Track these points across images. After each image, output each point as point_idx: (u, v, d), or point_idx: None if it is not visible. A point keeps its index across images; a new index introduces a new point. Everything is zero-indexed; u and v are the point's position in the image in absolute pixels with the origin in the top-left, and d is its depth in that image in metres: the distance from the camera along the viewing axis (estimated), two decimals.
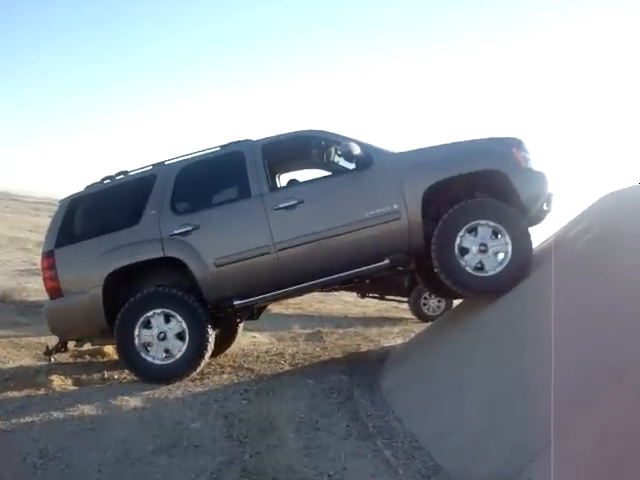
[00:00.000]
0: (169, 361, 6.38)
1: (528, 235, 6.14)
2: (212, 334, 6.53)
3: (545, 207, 6.43)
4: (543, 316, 4.50)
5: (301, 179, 7.09)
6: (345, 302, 15.34)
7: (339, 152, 6.61)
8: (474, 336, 5.87)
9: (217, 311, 6.71)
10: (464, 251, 6.09)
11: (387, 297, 13.12)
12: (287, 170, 7.90)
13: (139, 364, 6.41)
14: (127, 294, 6.51)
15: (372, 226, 6.24)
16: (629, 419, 3.12)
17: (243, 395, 5.94)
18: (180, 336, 6.37)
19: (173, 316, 6.36)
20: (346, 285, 9.54)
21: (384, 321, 12.27)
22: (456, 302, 9.46)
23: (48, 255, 6.65)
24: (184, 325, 6.34)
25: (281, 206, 6.35)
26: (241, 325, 8.35)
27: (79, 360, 7.95)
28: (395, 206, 6.23)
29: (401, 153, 6.53)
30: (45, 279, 6.70)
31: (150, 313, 6.36)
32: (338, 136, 6.63)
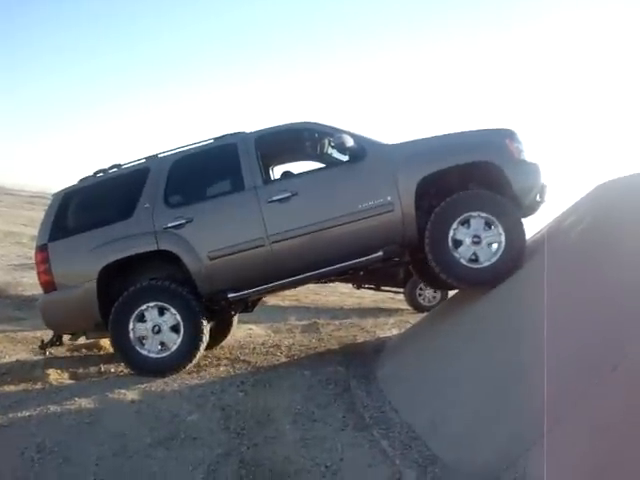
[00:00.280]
0: (164, 354, 6.38)
1: (521, 225, 6.14)
2: (207, 326, 6.54)
3: (538, 198, 6.43)
4: (537, 307, 4.51)
5: (295, 171, 7.08)
6: (341, 293, 15.37)
7: (332, 144, 6.60)
8: (469, 327, 5.88)
9: (211, 304, 6.70)
10: (458, 243, 6.09)
11: (383, 288, 13.13)
12: (281, 162, 7.88)
13: (135, 358, 6.41)
14: (121, 287, 6.51)
15: (366, 218, 6.24)
16: (623, 410, 3.13)
17: (240, 387, 5.95)
18: (175, 329, 6.37)
19: (167, 309, 6.37)
20: (340, 277, 9.55)
21: (380, 312, 12.29)
22: (451, 293, 9.48)
23: (42, 249, 6.64)
24: (178, 318, 6.34)
25: (275, 199, 6.34)
26: (236, 317, 8.36)
27: (75, 354, 7.94)
28: (388, 198, 6.22)
29: (394, 145, 6.51)
30: (39, 273, 6.68)
31: (144, 307, 6.36)
32: (331, 128, 6.61)
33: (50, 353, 7.50)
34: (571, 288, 4.67)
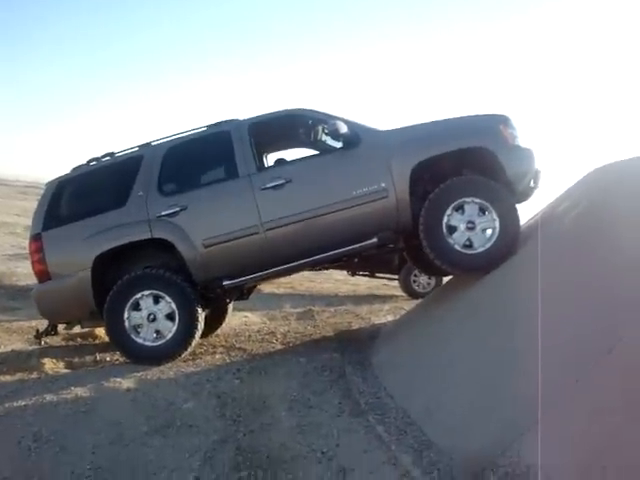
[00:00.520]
0: (160, 342, 6.39)
1: (515, 211, 6.15)
2: (202, 314, 6.55)
3: (532, 184, 6.44)
4: (532, 292, 4.52)
5: (289, 158, 7.07)
6: (335, 280, 15.38)
7: (326, 131, 6.58)
8: (463, 313, 5.90)
9: (206, 291, 6.71)
10: (452, 229, 6.10)
11: (377, 275, 13.15)
12: (275, 149, 7.86)
13: (130, 346, 6.41)
14: (116, 276, 6.50)
15: (360, 205, 6.23)
16: (618, 394, 3.15)
17: (235, 374, 5.97)
18: (170, 317, 6.37)
19: (162, 297, 6.37)
20: (335, 264, 9.56)
21: (374, 299, 12.32)
22: (446, 279, 9.51)
23: (35, 238, 6.62)
24: (173, 306, 6.35)
25: (269, 186, 6.33)
26: (231, 305, 8.37)
27: (71, 343, 7.95)
28: (383, 184, 6.22)
29: (388, 131, 6.50)
30: (33, 262, 6.67)
31: (139, 295, 6.36)
32: (325, 115, 6.59)
33: (45, 343, 7.50)
34: (565, 273, 4.69)
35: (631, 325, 3.48)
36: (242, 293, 7.65)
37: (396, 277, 12.45)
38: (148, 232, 6.39)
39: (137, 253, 6.60)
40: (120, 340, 6.44)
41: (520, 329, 4.48)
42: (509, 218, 6.07)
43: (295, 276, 9.07)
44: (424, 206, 6.14)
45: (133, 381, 5.72)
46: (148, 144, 6.85)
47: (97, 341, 7.86)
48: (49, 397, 5.32)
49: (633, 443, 2.85)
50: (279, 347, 7.40)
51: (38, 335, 7.16)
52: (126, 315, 6.36)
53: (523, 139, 6.41)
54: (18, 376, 6.12)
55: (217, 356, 6.81)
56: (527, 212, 7.10)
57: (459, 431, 4.17)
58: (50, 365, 6.50)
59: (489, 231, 6.08)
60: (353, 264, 11.73)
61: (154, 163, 6.63)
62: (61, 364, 6.64)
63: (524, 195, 6.51)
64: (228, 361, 6.57)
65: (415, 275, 11.76)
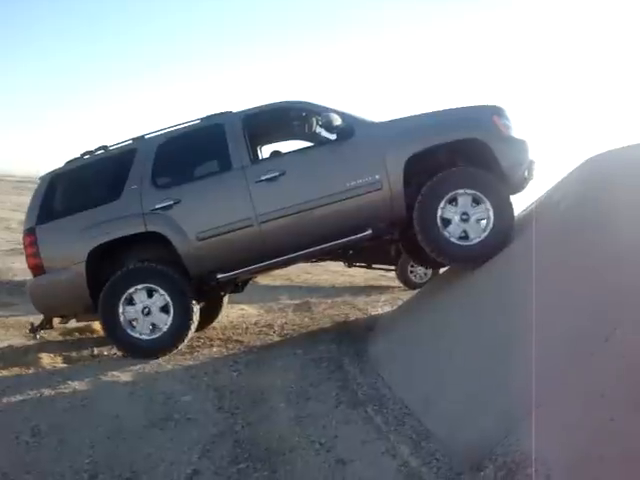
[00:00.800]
0: (156, 335, 6.40)
1: (508, 198, 6.15)
2: (196, 305, 6.56)
3: (526, 175, 6.43)
4: (527, 282, 4.53)
5: (284, 150, 7.06)
6: (332, 272, 15.38)
7: (320, 123, 6.57)
8: (460, 303, 5.90)
9: (201, 284, 6.70)
10: (447, 222, 6.10)
11: (374, 266, 13.15)
12: (269, 141, 7.86)
13: (127, 341, 6.42)
14: (111, 269, 6.51)
15: (354, 197, 6.23)
16: (615, 381, 3.16)
17: (233, 367, 5.98)
18: (164, 309, 6.38)
19: (155, 290, 6.38)
20: (329, 256, 9.55)
21: (372, 290, 12.33)
22: (442, 270, 9.51)
23: (29, 232, 6.61)
24: (167, 298, 6.36)
25: (262, 178, 6.32)
26: (226, 297, 8.38)
27: (68, 338, 7.94)
28: (377, 176, 6.21)
29: (383, 123, 6.50)
30: (27, 256, 6.66)
31: (132, 290, 6.37)
32: (319, 107, 6.58)
33: (43, 337, 7.50)
34: (561, 262, 4.68)
35: (627, 314, 3.48)
36: (237, 286, 7.65)
37: (393, 268, 12.44)
38: (142, 225, 6.38)
39: (131, 247, 6.59)
40: (117, 336, 6.45)
41: (517, 318, 4.48)
42: (502, 207, 6.07)
43: (292, 268, 9.07)
44: (417, 201, 6.14)
45: (131, 375, 5.72)
46: (142, 137, 6.82)
47: (94, 335, 7.84)
48: (47, 392, 5.32)
49: (631, 432, 2.86)
50: (276, 339, 7.41)
51: (33, 329, 7.16)
52: (121, 310, 6.36)
53: (517, 130, 6.40)
54: (16, 371, 6.11)
55: (215, 349, 6.82)
56: (523, 202, 7.12)
57: (457, 421, 4.17)
58: (48, 360, 6.50)
59: (484, 221, 6.08)
60: (350, 255, 11.73)
61: (148, 156, 6.61)
62: (59, 359, 6.63)
63: (519, 186, 6.50)
64: (226, 354, 6.58)
65: (412, 266, 11.74)
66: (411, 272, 11.85)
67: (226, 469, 4.05)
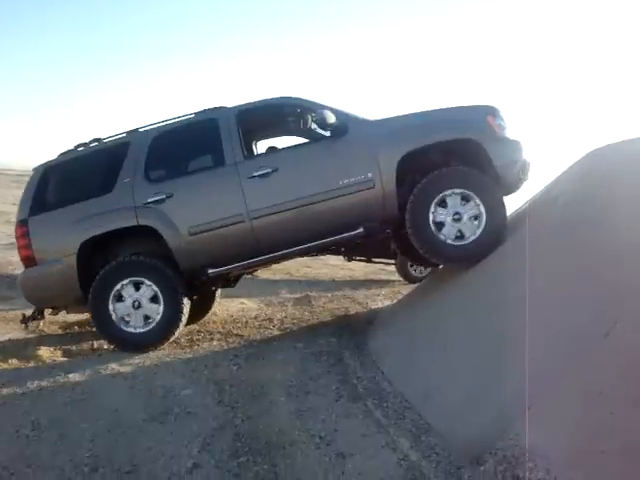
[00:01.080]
0: (151, 326, 6.43)
1: (500, 197, 6.15)
2: (187, 298, 6.60)
3: (521, 175, 6.43)
4: (526, 277, 4.53)
5: (280, 146, 7.05)
6: (332, 265, 15.35)
7: (314, 119, 6.56)
8: (459, 297, 5.90)
9: (192, 279, 6.70)
10: (440, 225, 6.10)
11: (374, 260, 13.12)
12: (263, 137, 7.88)
13: (123, 338, 6.46)
14: (102, 262, 6.54)
15: (346, 195, 6.23)
16: (615, 377, 3.16)
17: (233, 361, 5.99)
18: (154, 299, 6.41)
19: (142, 282, 6.41)
20: (321, 253, 9.54)
21: (371, 283, 12.32)
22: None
23: (22, 224, 6.63)
24: (155, 288, 6.39)
25: (255, 174, 6.32)
26: (219, 291, 8.42)
27: (68, 331, 7.95)
28: (369, 174, 6.21)
29: (376, 121, 6.49)
30: (19, 248, 6.69)
31: (119, 286, 6.40)
32: (313, 103, 6.58)
33: (42, 331, 7.50)
34: (560, 259, 4.68)
35: (626, 311, 3.48)
36: (229, 281, 7.64)
37: (393, 262, 12.42)
38: (134, 219, 6.39)
39: (123, 240, 6.61)
40: (112, 334, 6.50)
41: (517, 313, 4.47)
42: (495, 205, 6.08)
43: (291, 262, 9.07)
44: (409, 201, 6.15)
45: (131, 368, 5.73)
46: (135, 130, 6.82)
47: (94, 329, 7.84)
48: (47, 385, 5.33)
49: (630, 426, 2.86)
50: (276, 333, 7.41)
51: (25, 320, 7.18)
52: (111, 308, 6.40)
53: (511, 130, 6.39)
54: (15, 365, 6.12)
55: (214, 343, 6.83)
56: (517, 201, 7.12)
57: (457, 415, 4.18)
58: (47, 353, 6.50)
59: (476, 218, 6.08)
60: (350, 249, 11.71)
61: (141, 150, 6.62)
62: (58, 352, 6.64)
63: (513, 186, 6.51)
64: (226, 347, 6.58)
65: None
66: (411, 266, 11.83)
67: (226, 463, 4.05)
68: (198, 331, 7.34)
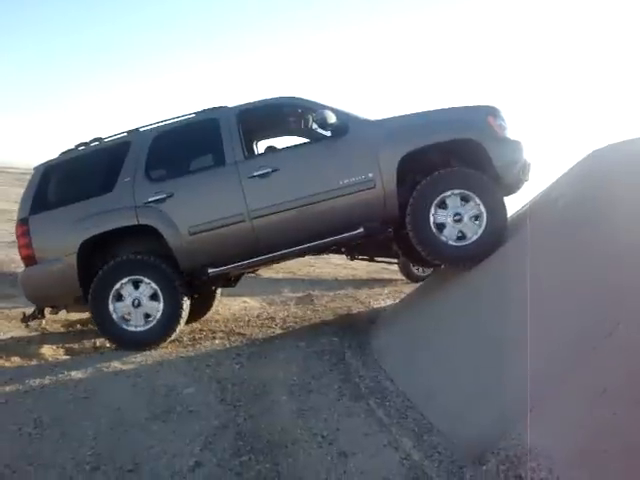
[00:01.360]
0: (152, 324, 6.43)
1: (500, 197, 6.14)
2: (186, 297, 6.60)
3: (521, 175, 6.42)
4: (528, 278, 4.52)
5: (280, 146, 7.06)
6: (335, 265, 15.35)
7: (314, 119, 6.56)
8: (462, 297, 5.89)
9: (192, 278, 6.70)
10: (441, 226, 6.10)
11: (377, 259, 13.12)
12: (264, 137, 7.89)
13: (125, 337, 6.46)
14: (102, 261, 6.54)
15: (347, 194, 6.22)
16: (618, 377, 3.15)
17: (235, 359, 5.99)
18: (154, 297, 6.42)
19: (140, 280, 6.42)
20: (322, 253, 9.53)
21: (374, 283, 12.31)
22: None
23: (22, 223, 6.63)
24: (154, 285, 6.40)
25: (256, 174, 6.31)
26: (219, 290, 8.42)
27: (70, 329, 7.96)
28: (370, 175, 6.20)
29: (377, 121, 6.48)
30: (20, 247, 6.68)
31: (118, 285, 6.41)
32: (314, 103, 6.59)
33: (45, 329, 7.51)
34: (563, 260, 4.67)
35: (628, 311, 3.48)
36: (229, 280, 7.64)
37: (396, 261, 12.41)
38: (134, 218, 6.39)
39: (124, 239, 6.61)
40: (114, 334, 6.50)
41: (519, 313, 4.47)
42: (495, 205, 6.07)
43: (293, 261, 9.07)
44: (409, 204, 6.14)
45: (133, 366, 5.73)
46: (136, 130, 6.83)
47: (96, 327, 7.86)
48: (49, 383, 5.34)
49: (633, 426, 2.86)
50: (279, 332, 7.41)
51: (25, 319, 7.18)
52: (112, 308, 6.41)
53: (512, 130, 6.38)
54: (18, 362, 6.14)
55: (217, 341, 6.83)
56: (518, 202, 7.12)
57: (460, 414, 4.17)
58: (50, 352, 6.52)
59: (477, 218, 6.07)
60: (352, 248, 11.71)
61: (142, 149, 6.62)
62: (61, 350, 6.66)
63: (513, 186, 6.52)
64: (228, 346, 6.58)
65: None
66: (413, 265, 11.81)
67: (228, 461, 4.04)
68: (200, 330, 7.34)
